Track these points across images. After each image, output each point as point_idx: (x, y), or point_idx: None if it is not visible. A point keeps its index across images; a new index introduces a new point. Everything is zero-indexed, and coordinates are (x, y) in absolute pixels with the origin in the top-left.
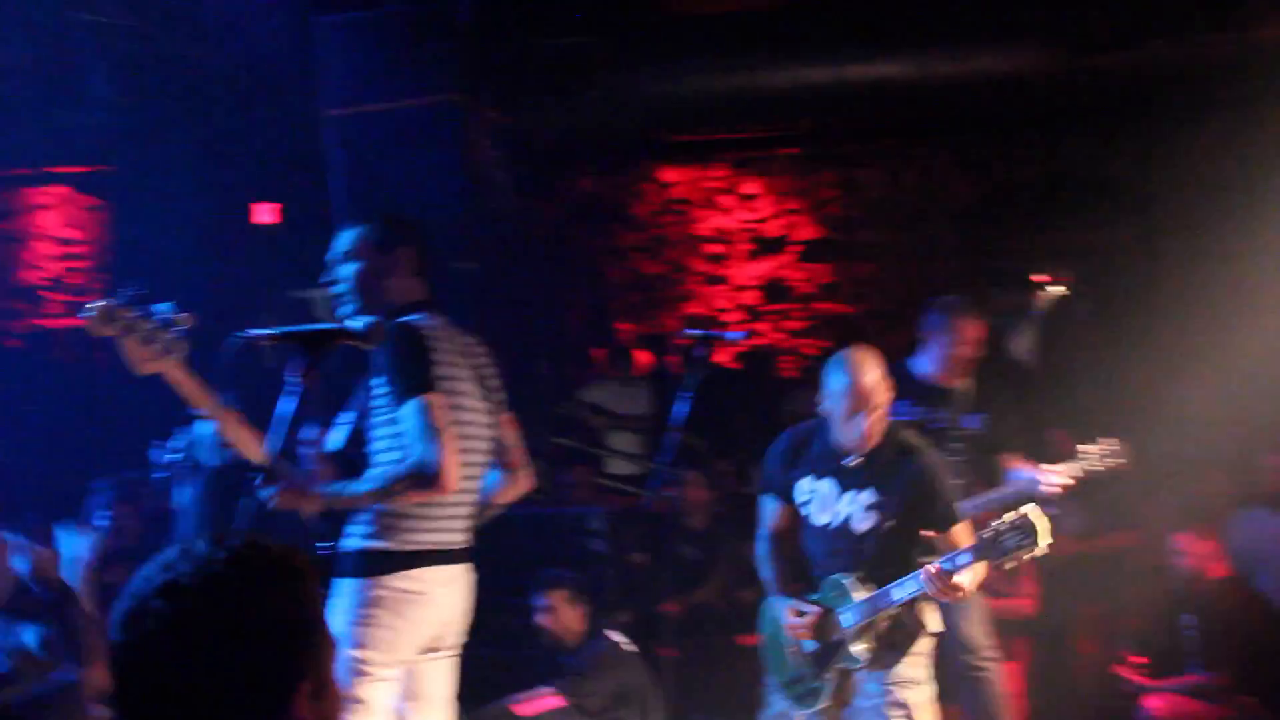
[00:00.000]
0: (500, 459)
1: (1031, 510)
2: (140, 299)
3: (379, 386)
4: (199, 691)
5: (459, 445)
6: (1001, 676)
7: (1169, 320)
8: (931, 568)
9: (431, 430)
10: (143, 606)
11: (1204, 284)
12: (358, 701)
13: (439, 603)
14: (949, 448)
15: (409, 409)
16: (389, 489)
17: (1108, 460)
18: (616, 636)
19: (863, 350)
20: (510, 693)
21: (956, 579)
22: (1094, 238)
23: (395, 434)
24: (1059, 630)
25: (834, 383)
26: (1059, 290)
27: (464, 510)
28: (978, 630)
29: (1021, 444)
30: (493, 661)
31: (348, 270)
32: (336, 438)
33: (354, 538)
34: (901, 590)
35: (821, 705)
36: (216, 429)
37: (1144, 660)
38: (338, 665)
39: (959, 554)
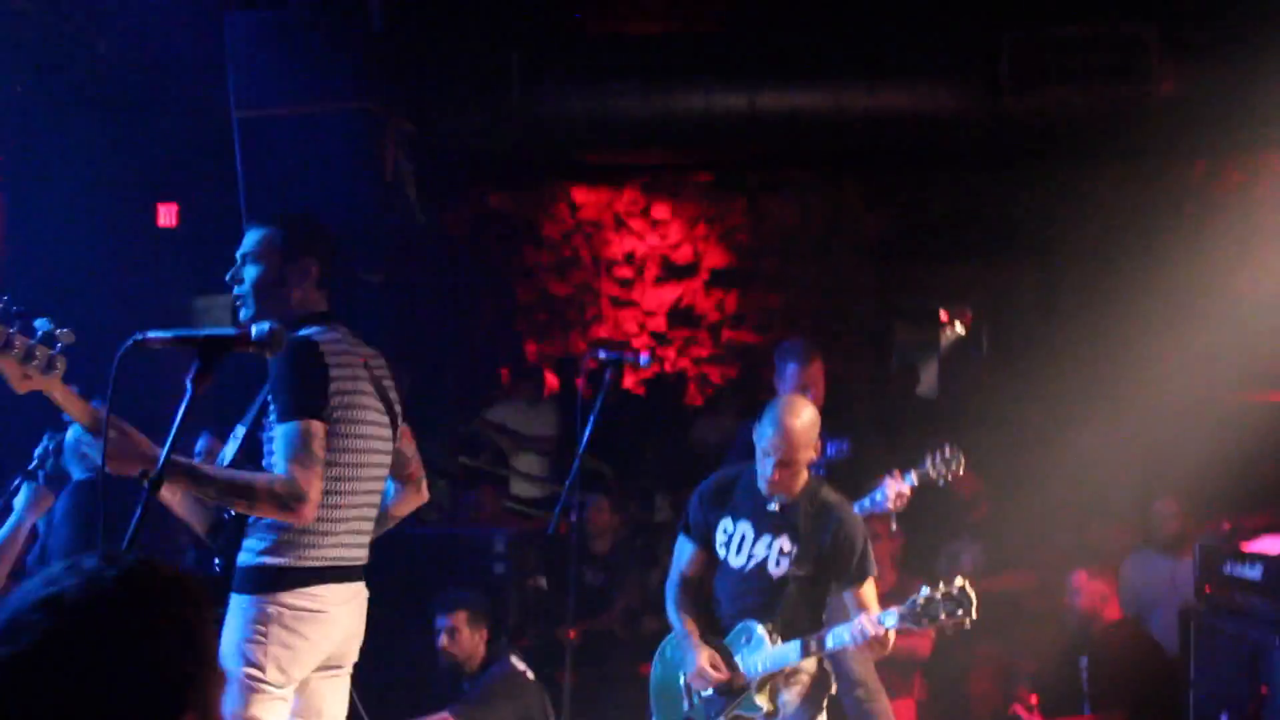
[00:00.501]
0: (398, 471)
1: (967, 584)
2: (18, 314)
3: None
4: (73, 715)
5: (359, 460)
6: (889, 707)
7: (1067, 361)
8: (867, 623)
9: (308, 457)
10: (21, 620)
11: (1102, 327)
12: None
13: (337, 621)
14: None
15: (289, 429)
16: (246, 491)
17: (941, 468)
18: (518, 663)
19: (799, 398)
20: (408, 716)
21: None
22: (997, 277)
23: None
24: (955, 669)
25: (766, 424)
26: (960, 329)
27: (364, 526)
28: (864, 664)
29: (885, 468)
30: (391, 683)
31: (250, 272)
32: (229, 449)
33: (250, 553)
34: (833, 641)
35: None
36: (80, 439)
37: (1036, 701)
38: (229, 689)
39: (886, 614)
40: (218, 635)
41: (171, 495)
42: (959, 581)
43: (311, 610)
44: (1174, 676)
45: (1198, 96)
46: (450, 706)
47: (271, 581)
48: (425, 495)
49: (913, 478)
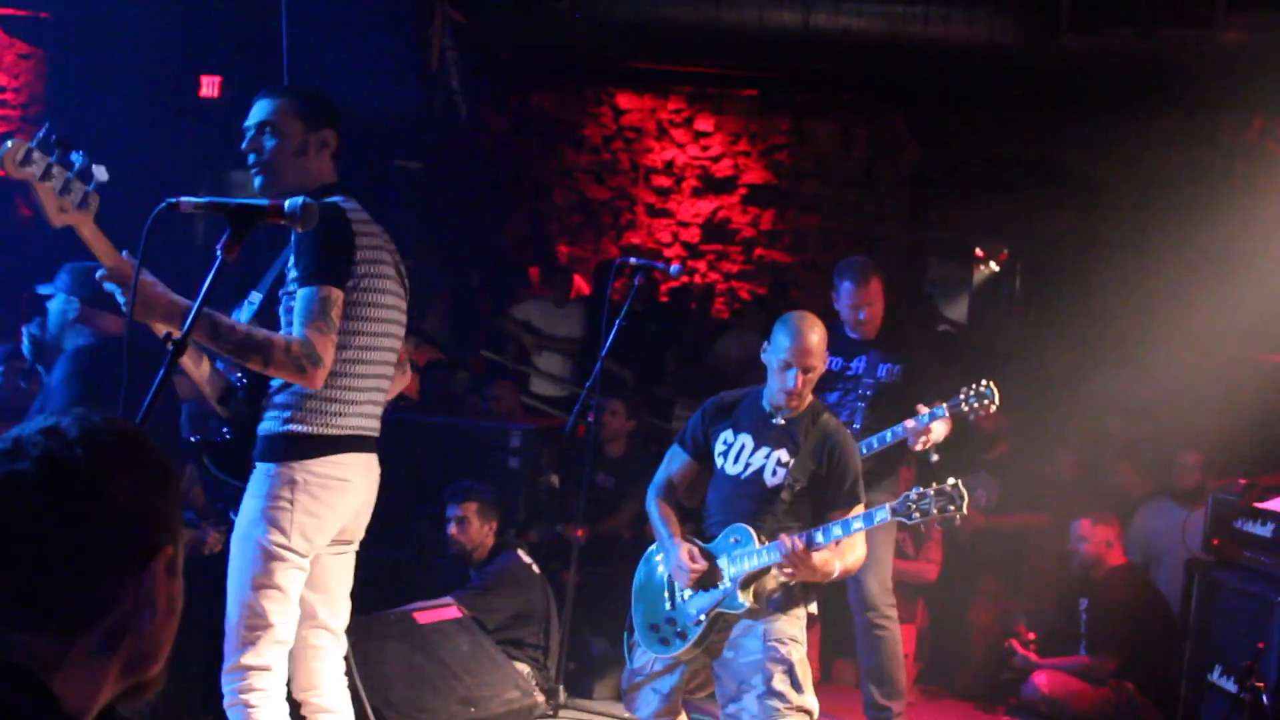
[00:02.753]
0: None
1: (960, 481)
2: (60, 143)
3: (292, 267)
4: (62, 534)
5: (381, 330)
6: (900, 636)
7: (1099, 307)
8: (856, 520)
9: (326, 323)
10: (25, 440)
11: (1137, 277)
12: (273, 588)
13: (357, 491)
14: (858, 394)
15: (309, 293)
16: (265, 347)
17: (975, 404)
18: (524, 556)
19: (810, 314)
20: (413, 599)
21: (820, 551)
22: (1036, 218)
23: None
24: (957, 599)
25: (779, 336)
26: (994, 266)
27: (380, 398)
28: (881, 589)
29: (937, 395)
30: (399, 565)
31: (269, 142)
32: (243, 314)
33: (275, 421)
34: (822, 536)
35: (683, 651)
36: (67, 308)
37: (1034, 637)
38: (252, 556)
39: (877, 510)
40: (180, 500)
41: (194, 364)
42: (950, 479)
43: (337, 479)
44: (1173, 626)
45: (1261, 49)
46: (455, 593)
47: (299, 449)
48: (410, 377)
49: (944, 410)
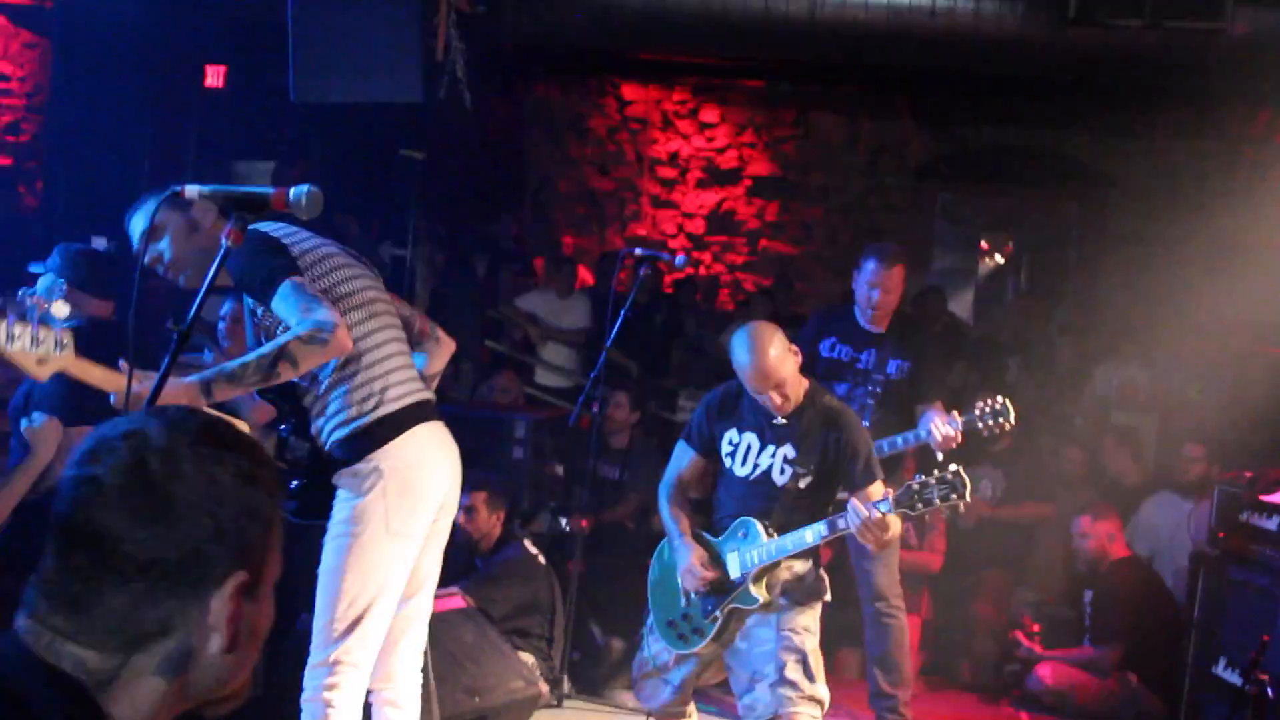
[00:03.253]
0: (409, 334)
1: (961, 468)
2: (9, 304)
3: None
4: (136, 539)
5: (363, 300)
6: (907, 626)
7: (1104, 300)
8: (860, 507)
9: (309, 300)
10: (106, 444)
11: (1145, 268)
12: (371, 585)
13: (439, 457)
14: (867, 389)
15: (279, 295)
16: (280, 354)
17: (990, 421)
18: (530, 547)
19: (763, 327)
20: None
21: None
22: (1042, 210)
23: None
24: (962, 590)
25: (737, 359)
26: (999, 258)
27: (407, 362)
28: (889, 579)
29: (940, 395)
30: None
31: (161, 246)
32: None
33: (335, 430)
34: (814, 533)
35: (701, 647)
36: (55, 287)
37: (1039, 628)
38: (349, 547)
39: (881, 501)
40: (275, 501)
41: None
42: (953, 466)
43: (416, 455)
44: (1177, 618)
45: (1269, 40)
46: (461, 582)
47: (369, 440)
48: (449, 341)
49: (958, 423)
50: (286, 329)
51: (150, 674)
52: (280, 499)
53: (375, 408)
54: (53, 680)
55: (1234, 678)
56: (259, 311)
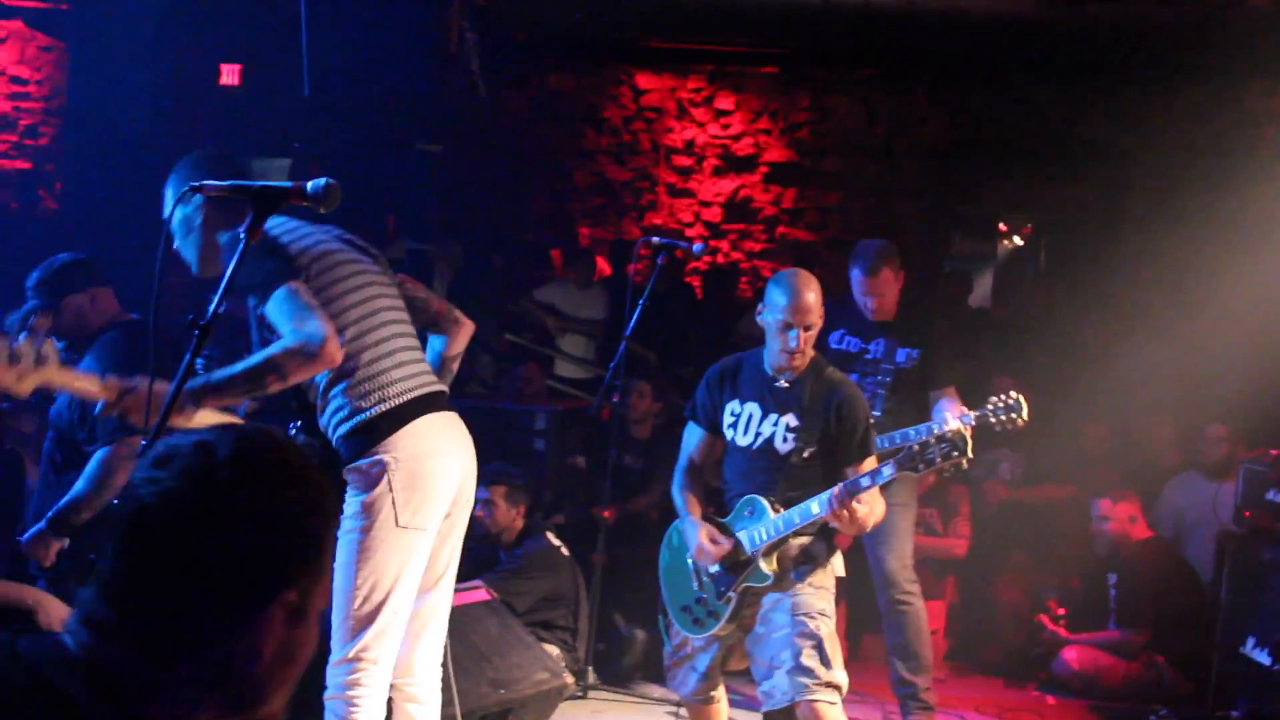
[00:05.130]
0: (426, 317)
1: (962, 426)
2: None
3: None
4: (190, 552)
5: (366, 295)
6: (924, 612)
7: (1125, 280)
8: (836, 487)
9: (302, 308)
10: (174, 450)
11: (1164, 248)
12: (385, 580)
13: (449, 449)
14: (877, 379)
15: (274, 301)
16: (267, 365)
17: (1003, 416)
18: (553, 539)
19: (806, 272)
20: None
21: (858, 504)
22: (1061, 191)
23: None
24: (986, 574)
25: (774, 295)
26: (1018, 240)
27: (416, 355)
28: (900, 566)
29: (952, 380)
30: None
31: (187, 251)
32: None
33: (340, 426)
34: (818, 505)
35: (718, 629)
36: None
37: (1064, 612)
38: (361, 542)
39: (881, 467)
40: (332, 529)
41: None
42: (952, 424)
43: (422, 448)
44: (1202, 598)
45: None
46: (484, 575)
47: (373, 435)
48: (468, 322)
49: (971, 419)
50: (279, 337)
51: (189, 683)
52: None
53: (378, 403)
54: (93, 681)
55: (1263, 657)
56: (261, 310)
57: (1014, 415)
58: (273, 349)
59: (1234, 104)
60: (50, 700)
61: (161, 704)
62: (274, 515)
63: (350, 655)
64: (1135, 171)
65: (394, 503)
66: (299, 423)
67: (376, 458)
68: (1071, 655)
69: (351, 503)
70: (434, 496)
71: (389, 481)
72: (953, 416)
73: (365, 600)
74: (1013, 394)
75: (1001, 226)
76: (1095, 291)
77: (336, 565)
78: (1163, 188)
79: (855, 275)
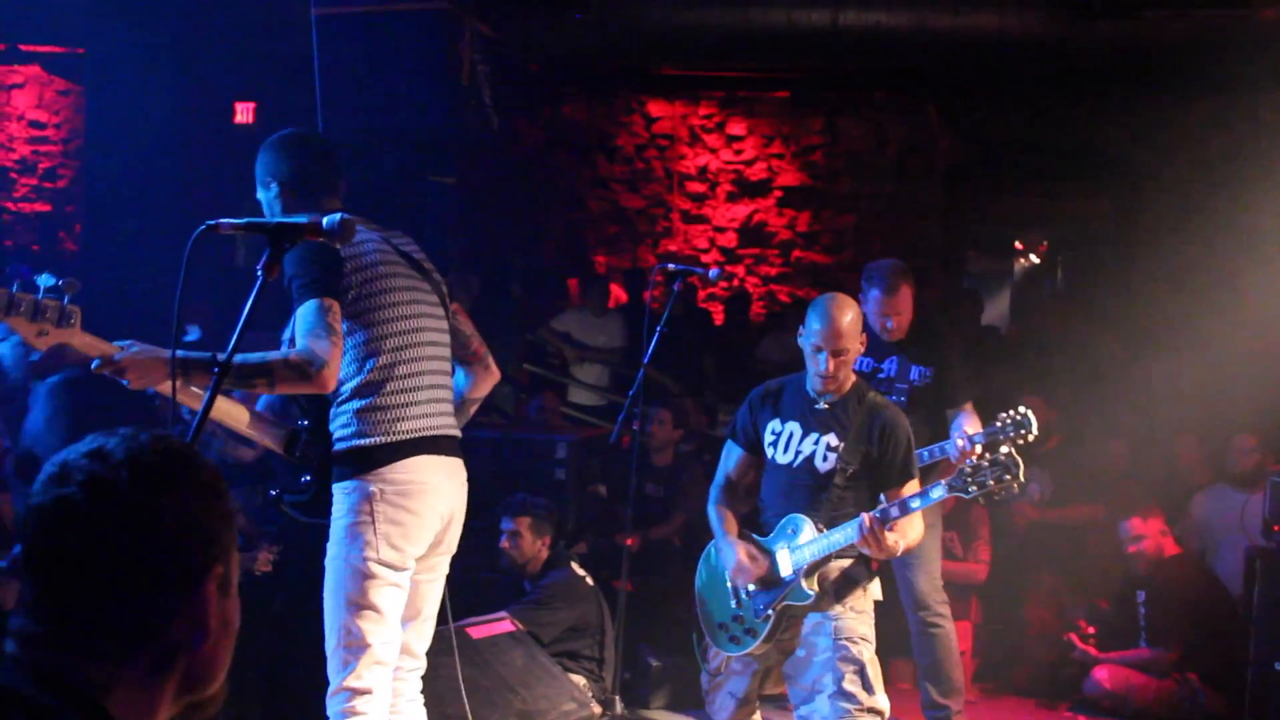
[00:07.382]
0: (462, 352)
1: (1013, 450)
2: (14, 277)
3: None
4: (110, 555)
5: (412, 326)
6: (954, 634)
7: (1144, 295)
8: (911, 498)
9: (323, 329)
10: (72, 465)
11: (1182, 261)
12: (368, 607)
13: (440, 492)
14: (892, 398)
15: (303, 309)
16: (262, 369)
17: (1011, 433)
18: (578, 569)
19: (843, 295)
20: (466, 614)
21: (889, 531)
22: (1076, 206)
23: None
24: (1013, 594)
25: (810, 319)
26: (1034, 258)
27: (443, 395)
28: (931, 587)
29: (969, 396)
30: (451, 581)
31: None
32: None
33: (340, 441)
34: (853, 530)
35: (755, 647)
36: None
37: (1094, 631)
38: (347, 577)
39: (930, 489)
40: (232, 515)
41: (236, 419)
42: (1004, 449)
43: (414, 483)
44: (1234, 613)
45: None
46: (509, 606)
47: (369, 460)
48: (496, 372)
49: (981, 436)
50: (292, 341)
51: (148, 673)
52: (235, 504)
53: (382, 434)
54: (60, 691)
55: None
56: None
57: (1023, 431)
58: (275, 354)
59: (1249, 116)
60: (28, 712)
61: (129, 703)
62: (183, 498)
63: (345, 685)
64: (1151, 185)
65: (376, 531)
66: (305, 422)
67: (365, 485)
68: (1103, 674)
69: (336, 526)
70: (415, 532)
71: (373, 511)
72: (963, 435)
73: (349, 633)
74: (1021, 409)
75: (1017, 244)
76: (1114, 306)
77: (325, 593)
78: (1179, 201)
79: (874, 295)
